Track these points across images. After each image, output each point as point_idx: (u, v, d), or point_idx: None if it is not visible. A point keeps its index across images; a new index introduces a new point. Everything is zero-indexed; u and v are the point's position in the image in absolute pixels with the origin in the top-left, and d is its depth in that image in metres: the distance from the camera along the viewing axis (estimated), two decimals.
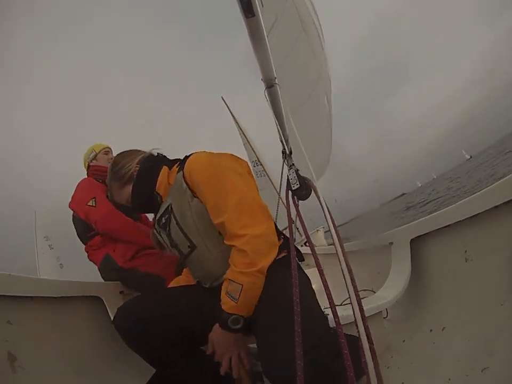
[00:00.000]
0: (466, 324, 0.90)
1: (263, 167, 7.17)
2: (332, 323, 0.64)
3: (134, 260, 1.42)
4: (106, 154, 1.66)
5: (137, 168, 0.89)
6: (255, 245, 0.69)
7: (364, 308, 0.95)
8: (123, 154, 0.94)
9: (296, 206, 0.96)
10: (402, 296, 1.09)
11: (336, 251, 0.67)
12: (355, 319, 0.58)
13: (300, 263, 0.88)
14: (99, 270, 1.48)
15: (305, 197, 0.99)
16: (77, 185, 1.55)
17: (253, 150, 7.38)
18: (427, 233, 1.17)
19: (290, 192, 0.93)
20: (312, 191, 0.87)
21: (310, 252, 0.75)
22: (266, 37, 0.68)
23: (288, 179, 0.99)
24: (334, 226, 0.73)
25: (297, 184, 0.94)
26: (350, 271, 0.64)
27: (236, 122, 7.69)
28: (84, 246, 1.53)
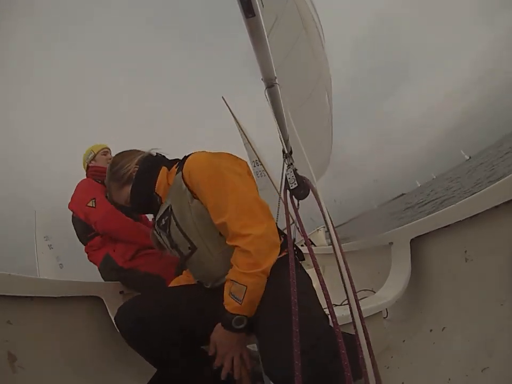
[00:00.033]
0: (466, 324, 0.90)
1: (264, 167, 7.15)
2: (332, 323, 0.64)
3: (134, 260, 1.42)
4: (105, 154, 1.65)
5: (136, 169, 0.88)
6: (259, 245, 0.68)
7: (364, 308, 0.95)
8: (122, 155, 0.94)
9: (294, 205, 0.95)
10: (402, 296, 1.10)
11: (334, 250, 0.67)
12: (353, 319, 0.58)
13: (300, 262, 0.88)
14: (99, 270, 1.48)
15: (303, 196, 0.99)
16: (76, 186, 1.55)
17: (254, 150, 7.35)
18: (427, 233, 1.17)
19: (288, 192, 0.93)
20: (310, 191, 0.87)
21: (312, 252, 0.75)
22: (266, 37, 0.68)
23: (286, 178, 0.99)
24: (332, 226, 0.73)
25: (295, 184, 0.94)
26: (347, 271, 0.64)
27: (237, 122, 7.67)
28: (84, 247, 1.53)
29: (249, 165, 0.95)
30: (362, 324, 0.59)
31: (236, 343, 0.74)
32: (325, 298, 0.62)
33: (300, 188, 0.94)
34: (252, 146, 7.43)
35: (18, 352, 0.81)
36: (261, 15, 0.61)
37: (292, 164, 1.13)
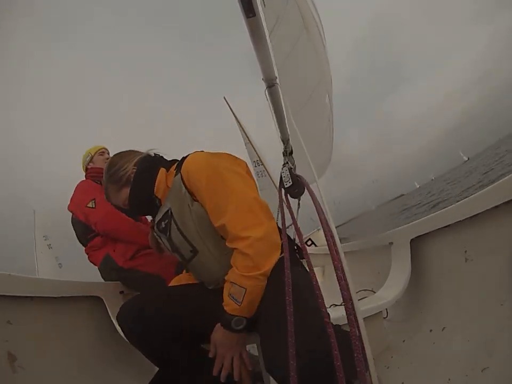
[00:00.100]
0: (466, 323, 0.90)
1: (265, 167, 7.13)
2: (334, 321, 0.64)
3: (134, 260, 1.42)
4: (102, 154, 1.65)
5: (135, 170, 0.86)
6: (258, 248, 0.68)
7: (364, 308, 0.95)
8: (119, 156, 0.92)
9: (289, 203, 0.95)
10: (402, 296, 1.10)
11: (329, 250, 0.67)
12: (348, 320, 0.58)
13: (302, 261, 0.88)
14: (99, 270, 1.48)
15: (297, 195, 0.98)
16: (76, 188, 1.54)
17: (255, 150, 7.33)
18: (427, 233, 1.17)
19: (283, 190, 0.93)
20: (306, 190, 0.87)
21: (312, 252, 0.75)
22: (268, 37, 0.68)
23: (281, 177, 0.99)
24: (326, 225, 0.73)
25: (289, 182, 0.94)
26: (343, 270, 0.64)
27: (238, 122, 7.65)
28: (84, 248, 1.53)
29: (250, 165, 0.95)
30: (357, 324, 0.59)
31: (235, 343, 0.74)
32: (318, 298, 0.62)
33: (295, 187, 0.94)
34: (253, 146, 7.42)
35: (18, 352, 0.81)
36: (261, 15, 0.62)
37: (287, 162, 1.13)
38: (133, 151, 0.94)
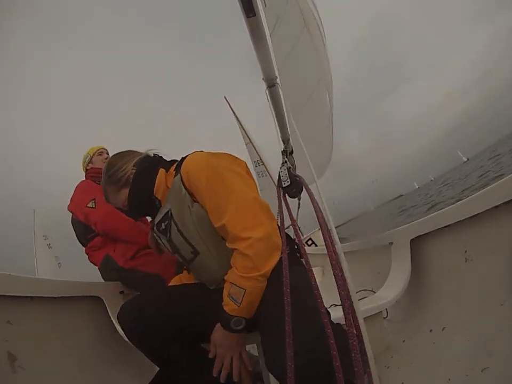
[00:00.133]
0: (466, 323, 0.90)
1: (265, 167, 7.13)
2: (334, 321, 0.64)
3: (134, 260, 1.42)
4: (101, 154, 1.66)
5: (134, 171, 0.85)
6: (258, 249, 0.67)
7: (364, 308, 0.95)
8: (118, 156, 0.91)
9: (287, 203, 0.94)
10: (402, 296, 1.09)
11: (327, 249, 0.67)
12: (346, 320, 0.58)
13: (301, 260, 0.88)
14: (99, 270, 1.48)
15: (295, 194, 0.98)
16: (75, 188, 1.55)
17: (256, 150, 7.33)
18: (427, 233, 1.17)
19: (281, 190, 0.93)
20: (304, 190, 0.86)
21: (312, 252, 0.75)
22: (269, 36, 0.68)
23: (279, 176, 0.99)
24: (325, 224, 0.73)
25: (287, 182, 0.94)
26: (341, 269, 0.64)
27: (239, 121, 7.65)
28: (84, 248, 1.53)
29: (251, 165, 0.95)
30: (355, 324, 0.59)
31: (235, 343, 0.74)
32: (316, 298, 0.62)
33: (293, 186, 0.94)
34: (253, 146, 7.41)
35: (18, 352, 0.81)
36: (262, 15, 0.61)
37: (286, 161, 1.13)
38: (132, 151, 0.93)
